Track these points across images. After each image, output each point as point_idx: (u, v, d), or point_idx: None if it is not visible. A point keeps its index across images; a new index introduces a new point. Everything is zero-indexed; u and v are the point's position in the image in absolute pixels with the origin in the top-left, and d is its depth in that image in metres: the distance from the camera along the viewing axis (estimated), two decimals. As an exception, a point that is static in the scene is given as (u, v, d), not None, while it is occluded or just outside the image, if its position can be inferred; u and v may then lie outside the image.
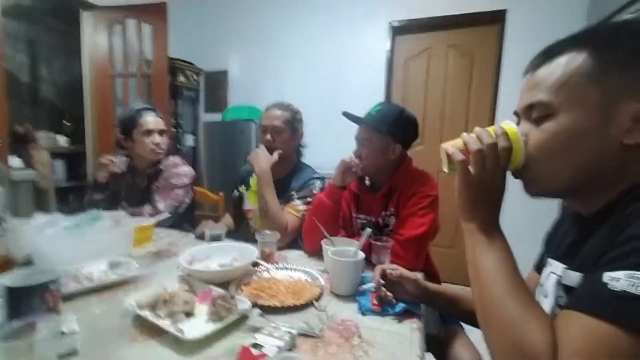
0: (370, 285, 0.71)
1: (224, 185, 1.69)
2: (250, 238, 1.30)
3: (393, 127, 0.98)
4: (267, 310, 0.64)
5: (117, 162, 1.37)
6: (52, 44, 3.32)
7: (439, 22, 2.51)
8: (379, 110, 1.01)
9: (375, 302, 0.67)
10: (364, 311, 0.66)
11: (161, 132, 1.42)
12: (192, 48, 3.10)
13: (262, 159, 1.12)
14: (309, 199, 1.19)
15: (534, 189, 0.49)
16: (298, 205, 1.18)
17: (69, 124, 3.23)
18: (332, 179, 1.04)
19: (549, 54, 0.46)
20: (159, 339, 0.55)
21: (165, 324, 0.58)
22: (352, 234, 1.11)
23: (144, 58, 2.58)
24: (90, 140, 2.70)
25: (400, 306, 0.66)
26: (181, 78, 2.87)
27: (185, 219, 1.47)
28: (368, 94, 2.69)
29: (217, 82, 3.16)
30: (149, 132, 1.38)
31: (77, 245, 0.87)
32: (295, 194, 1.20)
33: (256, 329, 0.58)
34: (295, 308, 0.66)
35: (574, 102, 0.43)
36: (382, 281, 0.69)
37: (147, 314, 0.60)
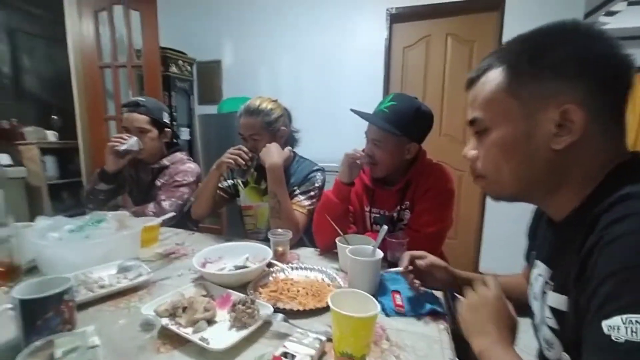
0: (396, 270, 0.71)
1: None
2: (245, 235, 1.28)
3: (409, 127, 0.93)
4: (289, 314, 0.63)
5: (130, 141, 1.27)
6: (34, 32, 3.16)
7: (437, 9, 2.46)
8: (392, 106, 0.95)
9: (399, 302, 0.67)
10: (387, 312, 0.65)
11: (139, 130, 1.31)
12: (183, 37, 3.00)
13: (274, 154, 1.08)
14: (312, 193, 1.16)
15: (491, 195, 0.54)
16: (302, 201, 1.15)
17: (57, 118, 3.11)
18: (339, 176, 1.01)
19: (479, 71, 0.50)
20: (182, 350, 0.54)
21: (187, 332, 0.56)
22: (364, 228, 1.10)
23: (134, 47, 2.47)
24: (81, 134, 2.60)
25: (425, 307, 0.65)
26: (173, 68, 2.78)
27: (189, 217, 1.43)
28: (365, 83, 2.66)
29: (210, 72, 3.08)
30: (127, 130, 1.33)
31: (82, 249, 0.84)
32: (297, 189, 1.17)
33: (282, 336, 0.57)
34: (317, 311, 0.65)
35: (500, 116, 0.47)
36: (411, 267, 0.69)
37: (167, 322, 0.58)
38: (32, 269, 0.82)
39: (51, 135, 2.99)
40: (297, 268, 0.85)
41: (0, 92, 2.79)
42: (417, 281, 0.69)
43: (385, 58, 2.62)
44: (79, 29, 2.42)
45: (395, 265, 0.74)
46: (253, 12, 2.92)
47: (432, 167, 1.00)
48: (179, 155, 1.43)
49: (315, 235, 1.05)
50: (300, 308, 0.65)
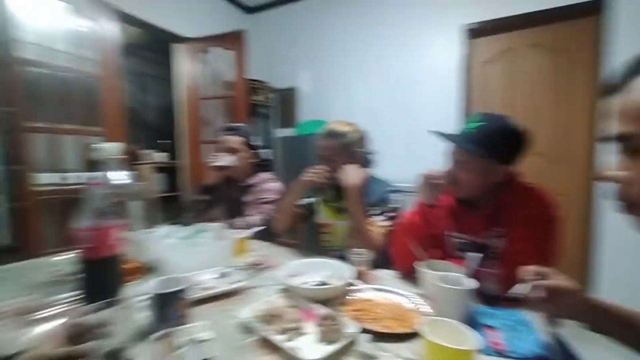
0: (519, 292, 0.57)
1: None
2: (321, 252, 1.32)
3: (497, 148, 0.86)
4: (373, 335, 0.63)
5: (226, 159, 1.50)
6: (154, 74, 3.89)
7: (521, 19, 2.28)
8: (479, 126, 0.90)
9: (496, 339, 0.61)
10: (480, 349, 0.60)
11: (231, 150, 1.53)
12: (267, 67, 3.33)
13: (354, 175, 1.12)
14: (389, 215, 1.16)
15: None
16: (379, 222, 1.16)
17: (165, 142, 3.71)
18: (420, 198, 1.00)
19: (629, 74, 0.40)
20: (276, 355, 0.58)
21: (281, 340, 0.60)
22: (445, 253, 1.04)
23: (226, 81, 2.85)
24: (183, 156, 3.05)
25: (532, 349, 0.58)
26: (258, 97, 3.09)
27: (272, 233, 1.55)
28: (442, 102, 2.58)
29: (288, 98, 3.34)
30: (222, 150, 1.54)
31: (189, 255, 0.98)
32: (373, 210, 1.18)
33: (368, 357, 0.57)
34: (403, 336, 0.64)
35: None
36: (539, 282, 0.56)
37: (263, 328, 0.63)
38: (153, 268, 0.98)
39: (161, 157, 3.57)
40: (378, 289, 0.84)
41: (129, 123, 3.49)
42: (542, 305, 0.55)
43: (463, 75, 2.51)
44: (183, 68, 2.89)
45: (486, 297, 0.68)
46: (327, 40, 3.11)
47: (530, 190, 0.90)
48: (265, 175, 1.58)
49: (395, 257, 1.03)
50: (385, 330, 0.64)
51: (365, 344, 0.60)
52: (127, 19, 2.35)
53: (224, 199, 1.63)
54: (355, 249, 0.94)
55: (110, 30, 2.11)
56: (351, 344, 0.61)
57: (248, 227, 1.33)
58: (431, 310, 0.73)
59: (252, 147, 1.56)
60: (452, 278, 0.72)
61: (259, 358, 0.57)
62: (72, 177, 2.10)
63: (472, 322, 0.68)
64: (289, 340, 0.61)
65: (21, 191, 1.74)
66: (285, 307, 0.69)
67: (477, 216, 0.95)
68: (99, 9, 2.04)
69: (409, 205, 1.09)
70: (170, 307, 0.62)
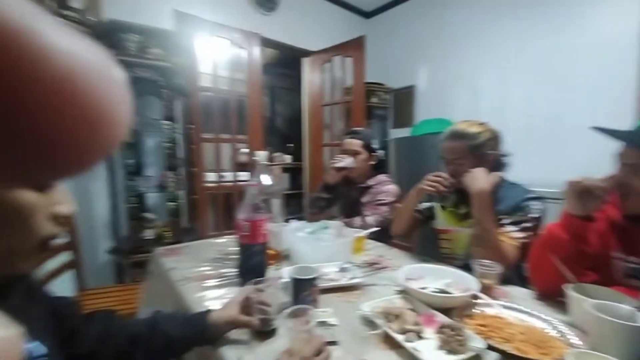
0: None
1: None
2: (440, 258, 1.24)
3: None
4: (503, 355, 0.58)
5: (346, 160, 1.62)
6: (284, 86, 4.47)
7: None
8: None
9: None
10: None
11: (353, 152, 1.60)
12: (383, 69, 3.35)
13: (481, 179, 1.02)
14: (526, 225, 1.01)
15: None
16: (512, 232, 1.01)
17: (291, 146, 4.22)
18: (567, 208, 0.83)
19: None
20: (397, 352, 0.61)
21: (401, 339, 0.63)
22: (609, 279, 0.84)
23: (345, 87, 3.02)
24: (305, 158, 3.40)
25: None
26: (374, 99, 3.15)
27: (387, 234, 1.58)
28: (603, 92, 2.03)
29: (405, 98, 3.27)
30: (345, 152, 1.62)
31: (315, 248, 1.11)
32: (506, 219, 1.04)
33: (497, 376, 0.54)
34: (541, 364, 0.57)
35: None
36: None
37: (384, 324, 0.67)
38: (286, 256, 1.16)
39: (287, 158, 4.07)
40: (509, 308, 0.76)
41: (265, 130, 4.14)
42: None
43: (641, 53, 1.92)
44: (310, 79, 3.21)
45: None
46: (448, 33, 2.89)
47: None
48: (382, 177, 1.62)
49: (532, 273, 0.90)
50: (519, 354, 0.58)
51: (494, 363, 0.56)
52: (267, 43, 2.79)
53: (342, 198, 1.75)
54: (482, 260, 0.87)
55: (256, 54, 2.56)
56: (477, 358, 0.58)
57: (364, 227, 1.40)
58: (582, 344, 0.62)
59: (372, 150, 1.62)
60: (615, 309, 0.59)
61: (379, 352, 0.61)
62: (227, 176, 2.65)
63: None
64: (408, 340, 0.63)
65: (195, 187, 2.31)
66: (403, 309, 0.71)
67: None
68: (248, 39, 2.51)
69: (552, 216, 0.92)
70: (304, 291, 0.73)
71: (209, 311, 0.66)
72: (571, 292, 0.71)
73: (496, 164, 1.14)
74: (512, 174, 1.19)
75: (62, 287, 1.46)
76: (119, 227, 2.08)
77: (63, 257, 1.47)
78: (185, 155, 2.28)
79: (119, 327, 0.61)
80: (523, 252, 1.00)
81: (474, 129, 1.11)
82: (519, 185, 1.12)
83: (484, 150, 1.09)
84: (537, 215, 1.01)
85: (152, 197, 2.06)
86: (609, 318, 0.57)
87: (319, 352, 0.53)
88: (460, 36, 2.81)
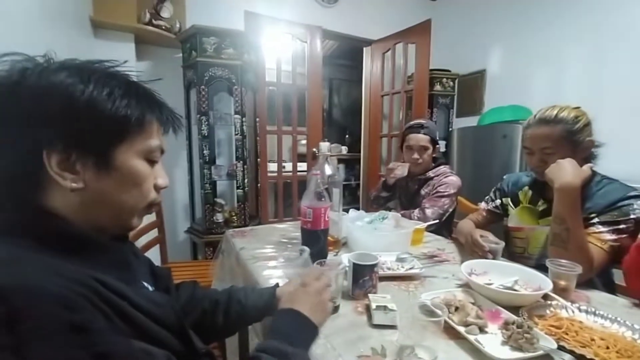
0: None
1: (474, 194, 1.58)
2: (511, 257, 1.16)
3: None
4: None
5: (400, 169, 1.62)
6: (342, 77, 4.49)
7: None
8: None
9: None
10: None
11: (422, 149, 1.55)
12: (448, 54, 3.14)
13: (569, 172, 0.90)
14: (622, 227, 0.89)
15: None
16: (602, 233, 0.90)
17: (348, 137, 4.24)
18: None
19: None
20: (457, 342, 0.61)
21: (463, 330, 0.62)
22: None
23: (407, 75, 2.91)
24: (363, 149, 3.39)
25: None
26: (437, 87, 2.99)
27: (445, 226, 1.53)
28: None
29: (472, 84, 3.04)
30: (410, 148, 1.56)
31: (373, 237, 1.13)
32: (596, 218, 0.93)
33: (571, 379, 0.51)
34: (625, 374, 0.52)
35: None
36: None
37: (444, 315, 0.68)
38: (344, 244, 1.20)
39: (344, 150, 4.11)
40: (589, 312, 0.70)
41: (323, 122, 4.22)
42: None
43: None
44: (370, 69, 3.16)
45: None
46: (525, 8, 2.58)
47: None
48: (443, 168, 1.56)
49: (627, 275, 0.81)
50: (597, 359, 0.54)
51: (567, 366, 0.53)
52: (328, 35, 2.83)
53: (400, 191, 1.73)
54: (559, 260, 0.80)
55: (317, 47, 2.61)
56: (546, 358, 0.56)
57: (423, 219, 1.38)
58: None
59: (435, 142, 1.57)
60: None
61: (439, 340, 0.62)
62: (287, 167, 2.79)
63: None
64: (470, 333, 0.62)
65: (260, 176, 2.48)
66: (465, 302, 0.70)
67: None
68: (311, 32, 2.57)
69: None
70: (364, 276, 0.77)
71: (277, 285, 0.74)
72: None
73: (589, 156, 1.01)
74: (609, 168, 1.05)
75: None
76: (195, 210, 2.35)
77: (152, 234, 1.73)
78: (251, 146, 2.46)
79: (203, 294, 0.72)
80: (614, 257, 0.90)
81: (570, 113, 0.98)
82: (616, 181, 0.98)
83: (580, 137, 0.97)
84: (637, 217, 0.89)
85: (223, 185, 2.28)
86: None
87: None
88: (537, 11, 2.50)
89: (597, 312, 0.70)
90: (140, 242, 1.65)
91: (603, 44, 2.18)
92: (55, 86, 0.41)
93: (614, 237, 0.89)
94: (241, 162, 2.14)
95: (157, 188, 0.52)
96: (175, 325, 0.46)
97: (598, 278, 0.95)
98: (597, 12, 2.20)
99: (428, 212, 1.44)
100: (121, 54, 1.53)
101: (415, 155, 1.55)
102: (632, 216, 0.88)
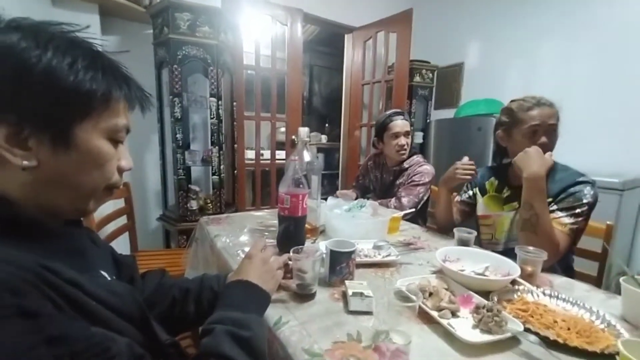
0: None
1: None
2: (480, 244, 1.21)
3: None
4: (543, 341, 0.57)
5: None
6: (322, 65, 4.41)
7: None
8: None
9: None
10: None
11: (406, 134, 1.57)
12: (428, 45, 3.16)
13: (536, 161, 0.96)
14: (577, 211, 0.96)
15: None
16: (562, 217, 0.97)
17: (328, 126, 4.21)
18: None
19: None
20: (430, 327, 0.62)
21: (436, 315, 0.64)
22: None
23: (388, 64, 2.91)
24: (343, 138, 3.38)
25: None
26: (417, 78, 3.01)
27: (420, 215, 1.56)
28: None
29: (450, 76, 3.09)
30: (395, 135, 1.56)
31: (351, 225, 1.13)
32: (555, 205, 0.99)
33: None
34: (583, 353, 0.55)
35: None
36: None
37: (419, 299, 0.69)
38: (322, 231, 1.20)
39: (324, 139, 4.08)
40: (552, 296, 0.74)
41: (303, 110, 4.15)
42: None
43: None
44: (351, 56, 3.13)
45: None
46: (506, 1, 2.64)
47: None
48: (417, 158, 1.59)
49: None
50: (559, 340, 0.57)
51: (534, 346, 0.56)
52: (309, 20, 2.75)
53: (375, 184, 1.74)
54: (525, 246, 0.84)
55: (297, 31, 2.54)
56: (513, 340, 0.58)
57: (400, 208, 1.40)
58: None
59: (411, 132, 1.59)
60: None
61: (413, 325, 0.63)
62: (265, 154, 2.74)
63: None
64: (443, 317, 0.64)
65: (236, 163, 2.41)
66: (439, 287, 0.72)
67: None
68: (291, 15, 2.49)
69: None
70: (341, 263, 0.76)
71: (251, 272, 0.72)
72: (626, 284, 0.67)
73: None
74: (575, 161, 1.11)
75: (118, 247, 1.65)
76: (167, 197, 2.26)
77: (120, 221, 1.65)
78: (227, 132, 2.37)
79: (172, 282, 0.68)
80: (572, 239, 0.97)
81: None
82: (570, 169, 1.06)
83: (559, 124, 1.04)
84: (590, 201, 0.96)
85: (198, 171, 2.19)
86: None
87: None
88: (517, 8, 2.56)
89: (559, 295, 0.74)
90: (107, 230, 1.56)
91: (572, 41, 2.28)
92: (5, 48, 0.36)
93: (572, 220, 0.96)
94: (217, 147, 2.06)
95: (120, 170, 0.48)
96: (136, 316, 0.43)
97: (558, 264, 1.01)
98: (568, 10, 2.28)
99: (404, 200, 1.46)
100: (84, 26, 1.40)
101: (402, 141, 1.56)
102: (584, 201, 0.96)
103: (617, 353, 0.52)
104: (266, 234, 1.16)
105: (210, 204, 2.12)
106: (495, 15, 2.71)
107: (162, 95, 2.07)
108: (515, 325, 0.59)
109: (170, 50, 1.82)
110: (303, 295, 0.71)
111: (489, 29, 2.77)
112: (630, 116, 2.02)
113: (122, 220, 1.67)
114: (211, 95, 2.00)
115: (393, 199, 1.51)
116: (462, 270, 0.82)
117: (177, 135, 1.93)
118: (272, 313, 0.64)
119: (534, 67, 2.49)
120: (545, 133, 1.03)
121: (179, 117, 1.91)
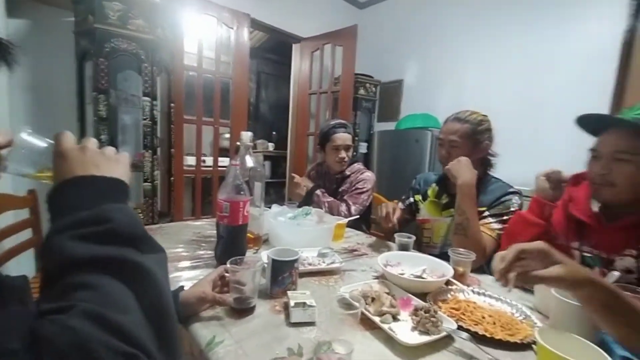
0: None
1: (391, 192, 1.74)
2: (419, 247, 1.28)
3: None
4: (473, 337, 0.60)
5: (305, 186, 1.65)
6: (270, 72, 4.38)
7: None
8: None
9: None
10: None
11: (347, 148, 1.60)
12: (372, 61, 3.33)
13: (466, 170, 1.06)
14: (505, 218, 1.07)
15: None
16: (492, 223, 1.08)
17: (275, 134, 4.16)
18: (538, 192, 0.92)
19: None
20: (372, 333, 0.62)
21: (377, 320, 0.64)
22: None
23: (334, 76, 2.99)
24: (289, 146, 3.36)
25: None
26: (361, 91, 3.14)
27: (363, 220, 1.60)
28: (580, 98, 2.11)
29: (392, 91, 3.29)
30: (336, 148, 1.59)
31: (296, 233, 1.10)
32: (487, 211, 1.10)
33: (467, 356, 0.56)
34: (507, 344, 0.59)
35: None
36: None
37: (361, 305, 0.68)
38: (266, 240, 1.15)
39: (271, 146, 4.02)
40: (479, 293, 0.79)
41: (249, 117, 4.04)
42: None
43: (621, 58, 2.01)
44: (299, 66, 3.15)
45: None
46: (437, 27, 2.92)
47: None
48: (357, 165, 1.66)
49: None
50: (487, 334, 0.61)
51: (465, 343, 0.58)
52: (257, 26, 2.71)
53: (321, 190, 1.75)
54: (457, 249, 0.90)
55: (244, 36, 2.48)
56: (448, 339, 0.60)
57: (349, 215, 1.42)
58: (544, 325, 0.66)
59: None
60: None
61: (356, 332, 0.62)
62: (207, 161, 2.59)
63: (606, 352, 0.58)
64: (385, 322, 0.64)
65: (173, 169, 2.23)
66: (380, 292, 0.72)
67: (609, 229, 0.79)
68: (238, 19, 2.42)
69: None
70: (283, 273, 0.73)
71: (181, 288, 0.65)
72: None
73: (486, 159, 1.18)
74: (503, 172, 1.24)
75: (20, 267, 1.37)
76: (89, 206, 1.98)
77: (23, 235, 1.38)
78: (164, 136, 2.19)
79: None
80: (499, 243, 1.07)
81: (478, 117, 1.15)
82: (500, 180, 1.19)
83: (480, 138, 1.13)
84: (516, 209, 1.07)
85: (127, 177, 1.98)
86: (569, 300, 0.60)
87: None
88: (449, 32, 2.84)
89: (485, 292, 0.80)
90: (5, 245, 1.30)
91: (491, 68, 2.59)
92: None
93: (500, 226, 1.07)
94: (150, 151, 1.88)
95: None
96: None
97: (485, 265, 1.11)
98: (488, 41, 2.60)
99: (352, 208, 1.49)
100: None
101: (342, 154, 1.58)
102: (511, 209, 1.09)
103: (534, 342, 0.57)
104: (203, 245, 1.08)
105: (141, 214, 1.91)
106: (430, 38, 2.98)
107: (85, 91, 1.84)
108: (449, 324, 0.62)
109: (96, 41, 1.62)
110: (241, 310, 0.65)
111: (425, 50, 3.03)
112: (539, 134, 2.35)
113: (26, 234, 1.40)
114: (145, 94, 1.83)
115: (344, 205, 1.53)
116: (402, 274, 0.85)
117: (102, 137, 1.72)
118: (205, 333, 0.58)
119: (461, 87, 2.77)
120: (448, 147, 1.16)
121: (104, 117, 1.71)
